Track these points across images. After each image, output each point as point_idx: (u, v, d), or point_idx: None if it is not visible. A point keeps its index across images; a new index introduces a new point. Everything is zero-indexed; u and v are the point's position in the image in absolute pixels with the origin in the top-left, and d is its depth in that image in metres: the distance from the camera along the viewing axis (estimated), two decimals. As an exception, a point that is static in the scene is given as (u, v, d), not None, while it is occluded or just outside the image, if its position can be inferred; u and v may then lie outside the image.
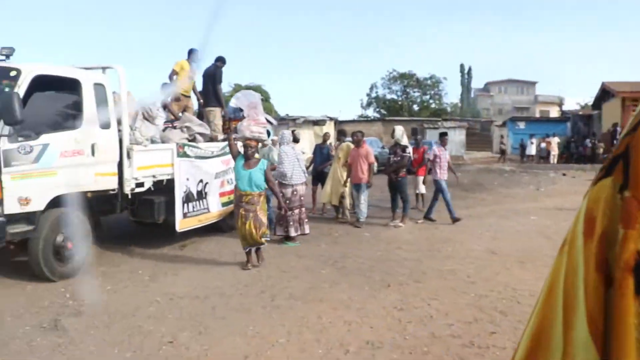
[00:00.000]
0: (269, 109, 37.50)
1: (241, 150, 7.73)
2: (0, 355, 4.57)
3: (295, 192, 9.18)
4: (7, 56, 6.65)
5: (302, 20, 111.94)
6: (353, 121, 38.87)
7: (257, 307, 5.80)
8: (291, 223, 9.15)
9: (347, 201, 11.51)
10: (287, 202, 9.07)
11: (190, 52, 9.88)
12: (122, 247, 8.54)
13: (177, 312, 5.64)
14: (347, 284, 6.69)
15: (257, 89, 45.02)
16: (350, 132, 12.74)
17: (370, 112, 56.45)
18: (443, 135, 12.08)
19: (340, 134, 12.82)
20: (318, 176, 12.35)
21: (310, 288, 6.53)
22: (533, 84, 70.69)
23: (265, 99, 45.16)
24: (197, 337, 4.98)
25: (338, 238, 9.67)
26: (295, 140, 11.35)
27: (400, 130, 11.05)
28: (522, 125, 39.75)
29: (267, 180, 7.41)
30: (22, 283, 6.57)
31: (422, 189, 13.13)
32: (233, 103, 9.51)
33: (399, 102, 56.15)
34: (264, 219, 7.44)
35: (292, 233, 9.14)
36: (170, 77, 9.73)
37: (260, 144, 9.25)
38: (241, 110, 9.36)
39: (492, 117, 58.67)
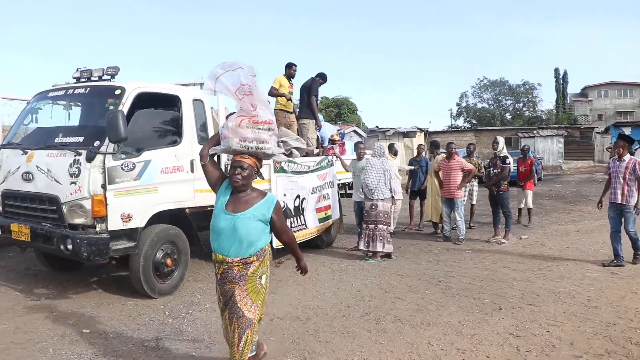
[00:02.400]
0: (356, 121, 37.18)
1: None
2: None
3: (374, 207, 8.82)
4: (112, 75, 6.77)
5: (389, 30, 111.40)
6: (443, 132, 38.06)
7: (362, 331, 5.53)
8: (362, 236, 8.90)
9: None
10: (366, 214, 8.81)
11: (287, 66, 9.80)
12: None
13: (278, 333, 5.47)
14: (455, 307, 6.31)
15: (344, 101, 44.97)
16: (442, 143, 12.34)
17: (461, 122, 55.23)
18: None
19: (434, 146, 12.38)
20: (416, 191, 11.93)
21: (416, 310, 6.21)
22: (638, 85, 66.17)
23: (353, 111, 44.89)
24: (301, 361, 4.77)
25: (439, 255, 9.24)
26: (394, 153, 11.05)
27: (502, 141, 10.55)
28: (627, 131, 37.28)
29: (277, 233, 3.94)
30: (123, 299, 6.61)
31: (530, 203, 12.46)
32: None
33: (491, 111, 54.54)
34: (255, 314, 3.88)
35: (361, 246, 8.87)
36: (271, 94, 9.65)
37: (275, 161, 7.56)
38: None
39: (592, 123, 55.60)
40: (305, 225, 8.69)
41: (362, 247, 8.84)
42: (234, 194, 3.82)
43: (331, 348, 5.08)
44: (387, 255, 8.86)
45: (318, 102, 10.16)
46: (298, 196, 8.49)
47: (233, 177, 3.74)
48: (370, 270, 8.13)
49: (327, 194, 9.37)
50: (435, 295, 6.83)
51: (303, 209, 8.63)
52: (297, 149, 8.80)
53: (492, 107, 55.02)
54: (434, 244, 10.35)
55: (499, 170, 10.19)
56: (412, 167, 11.78)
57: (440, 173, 10.53)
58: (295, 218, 8.44)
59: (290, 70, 9.82)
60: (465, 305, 6.36)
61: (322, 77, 10.11)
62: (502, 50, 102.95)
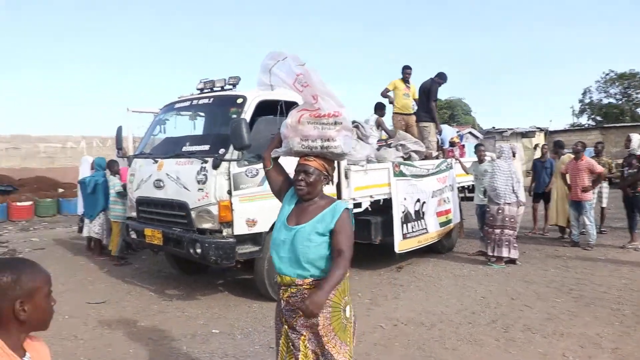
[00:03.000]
0: (471, 122, 35.97)
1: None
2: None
3: (500, 211, 8.43)
4: (234, 85, 6.97)
5: (502, 29, 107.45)
6: (565, 131, 35.70)
7: (490, 339, 5.30)
8: (489, 242, 8.57)
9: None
10: (491, 218, 8.47)
11: (403, 69, 9.70)
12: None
13: (403, 339, 5.36)
14: (591, 317, 5.89)
15: (457, 102, 43.76)
16: (566, 142, 11.67)
17: (584, 120, 51.87)
18: None
19: (557, 146, 11.70)
20: (540, 193, 11.36)
21: (547, 319, 5.87)
22: None
23: (467, 112, 43.52)
24: (428, 369, 4.64)
25: (567, 262, 8.69)
26: (513, 155, 10.61)
27: (637, 138, 9.80)
28: None
29: (333, 245, 2.96)
30: (248, 301, 6.78)
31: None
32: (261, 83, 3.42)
33: (619, 106, 50.82)
34: (347, 356, 3.02)
35: (504, 254, 8.46)
36: (383, 95, 9.61)
37: (354, 162, 7.23)
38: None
39: None
40: (426, 230, 8.53)
41: (490, 252, 8.52)
42: (300, 204, 3.12)
43: (458, 356, 4.92)
44: (512, 261, 8.48)
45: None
46: (418, 200, 8.35)
47: (296, 184, 3.07)
48: (495, 276, 7.83)
49: (448, 197, 9.14)
50: (567, 304, 6.42)
51: (423, 213, 8.47)
52: (415, 152, 8.73)
53: (620, 102, 51.18)
54: (561, 249, 9.78)
55: (635, 170, 9.47)
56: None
57: (567, 175, 9.95)
58: (415, 222, 8.30)
59: (405, 73, 9.72)
60: (602, 316, 5.92)
61: (441, 78, 9.88)
62: (630, 39, 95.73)
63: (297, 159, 3.08)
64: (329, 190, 7.13)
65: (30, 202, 15.28)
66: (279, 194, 3.27)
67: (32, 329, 1.73)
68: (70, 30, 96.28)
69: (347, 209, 3.01)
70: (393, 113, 9.52)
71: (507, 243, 8.41)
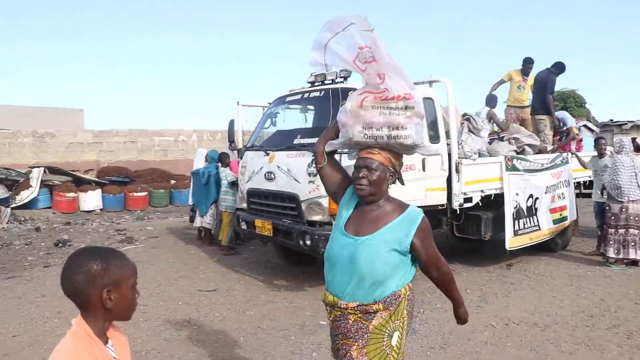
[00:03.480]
0: (585, 115, 33.90)
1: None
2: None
3: (624, 210, 7.88)
4: (345, 78, 6.95)
5: (616, 11, 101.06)
6: None
7: (611, 345, 4.99)
8: (611, 243, 7.99)
9: None
10: (613, 218, 7.94)
11: (525, 61, 9.35)
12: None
13: (515, 340, 5.16)
14: None
15: (570, 94, 41.48)
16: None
17: None
18: None
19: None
20: None
21: (678, 328, 5.43)
22: None
23: (581, 104, 41.17)
24: (544, 372, 4.45)
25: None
26: (637, 149, 9.95)
27: None
28: None
29: (424, 267, 2.63)
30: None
31: None
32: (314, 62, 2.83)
33: None
34: None
35: (610, 254, 7.97)
36: (495, 86, 9.32)
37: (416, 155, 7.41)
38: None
39: None
40: (538, 227, 8.17)
41: (611, 254, 8.00)
42: (360, 207, 2.59)
43: (575, 360, 4.68)
44: (634, 263, 7.95)
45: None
46: (531, 195, 8.01)
47: (356, 182, 2.52)
48: (614, 277, 7.36)
49: (562, 193, 8.70)
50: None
51: (536, 209, 8.12)
52: (529, 145, 8.38)
53: None
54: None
55: None
56: None
57: None
58: (527, 219, 7.98)
59: (526, 66, 9.38)
60: None
61: (558, 68, 9.42)
62: None
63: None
64: (435, 183, 7.03)
65: (145, 193, 16.08)
66: (335, 195, 2.77)
67: (116, 318, 1.77)
68: (182, 28, 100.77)
69: (423, 217, 2.49)
70: (506, 106, 9.20)
71: (633, 244, 7.88)
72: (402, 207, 2.55)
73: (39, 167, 15.26)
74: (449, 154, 7.15)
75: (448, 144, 7.18)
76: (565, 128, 10.14)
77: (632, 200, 7.85)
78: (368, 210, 2.55)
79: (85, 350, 1.65)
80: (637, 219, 7.88)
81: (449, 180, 7.16)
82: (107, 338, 1.77)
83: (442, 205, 7.23)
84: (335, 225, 2.66)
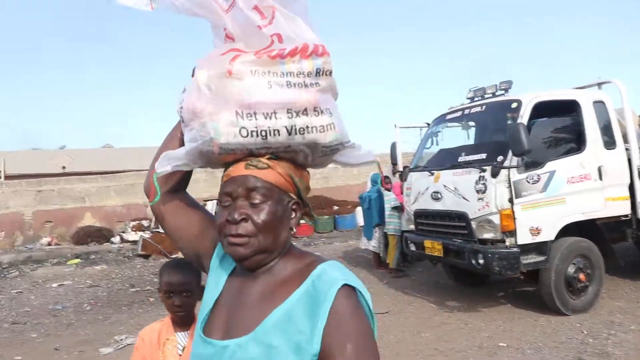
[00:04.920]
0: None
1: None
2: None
3: None
4: (506, 90, 6.85)
5: None
6: None
7: None
8: None
9: None
10: None
11: None
12: (635, 280, 7.67)
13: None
14: None
15: None
16: None
17: None
18: None
19: None
20: None
21: None
22: None
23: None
24: None
25: None
26: None
27: None
28: None
29: None
30: (534, 314, 6.50)
31: None
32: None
33: None
34: None
35: None
36: None
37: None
38: None
39: None
40: None
41: None
42: (237, 277, 1.33)
43: None
44: None
45: None
46: None
47: (227, 232, 1.24)
48: None
49: None
50: None
51: None
52: None
53: None
54: None
55: None
56: None
57: None
58: None
59: None
60: None
61: None
62: None
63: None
64: (616, 192, 6.58)
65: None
66: (196, 256, 1.50)
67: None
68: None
69: (349, 286, 1.16)
70: None
71: None
72: (308, 267, 1.25)
73: (212, 200, 16.50)
74: (629, 160, 6.66)
75: (627, 149, 6.70)
76: None
77: None
78: (250, 282, 1.28)
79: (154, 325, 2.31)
80: None
81: (632, 188, 6.66)
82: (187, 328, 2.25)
83: (626, 215, 6.73)
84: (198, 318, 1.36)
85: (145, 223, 15.75)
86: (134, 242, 14.77)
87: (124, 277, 11.03)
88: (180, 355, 2.21)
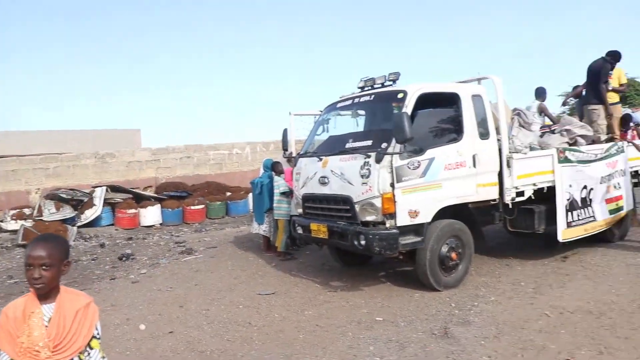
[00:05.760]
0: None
1: None
2: (399, 357, 4.84)
3: None
4: (394, 81, 7.15)
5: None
6: None
7: (671, 329, 5.01)
8: None
9: None
10: None
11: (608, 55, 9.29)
12: (500, 258, 8.40)
13: (570, 327, 5.24)
14: None
15: (630, 82, 40.16)
16: None
17: None
18: None
19: None
20: None
21: None
22: None
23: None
24: (598, 356, 4.55)
25: None
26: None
27: None
28: None
29: None
30: (410, 291, 6.91)
31: None
32: None
33: None
34: None
35: None
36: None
37: None
38: None
39: None
40: (594, 217, 8.14)
41: None
42: None
43: (632, 345, 4.73)
44: (694, 251, 7.83)
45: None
46: (585, 187, 7.99)
47: None
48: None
49: (618, 183, 8.61)
50: None
51: (591, 200, 8.10)
52: (582, 136, 8.36)
53: None
54: None
55: None
56: None
57: None
58: (582, 210, 7.97)
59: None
60: None
61: (613, 57, 9.26)
62: None
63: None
64: (486, 178, 7.13)
65: (202, 206, 16.50)
66: None
67: None
68: (231, 43, 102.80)
69: None
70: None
71: None
72: None
73: (101, 186, 15.88)
74: (500, 150, 7.24)
75: (498, 140, 7.25)
76: (632, 123, 10.08)
77: None
78: None
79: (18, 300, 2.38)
80: None
81: (500, 175, 7.24)
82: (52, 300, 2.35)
83: (494, 200, 7.32)
84: None
85: (27, 211, 14.92)
86: (14, 232, 13.96)
87: (1, 269, 10.45)
88: (46, 326, 2.29)
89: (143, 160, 18.63)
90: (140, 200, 16.18)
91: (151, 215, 15.79)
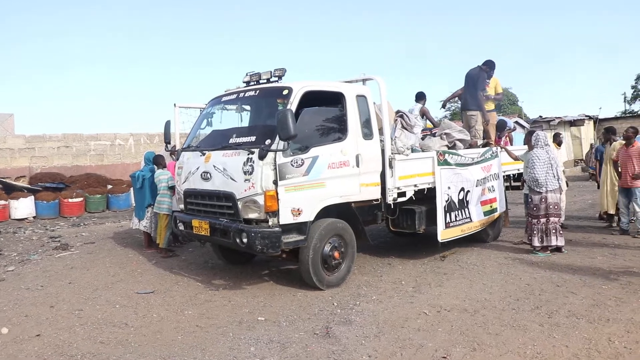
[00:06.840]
0: (517, 112, 35.43)
1: None
2: (280, 357, 4.75)
3: (543, 200, 8.35)
4: (280, 77, 7.03)
5: (547, 14, 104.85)
6: (616, 118, 33.68)
7: (534, 325, 5.30)
8: (535, 232, 8.43)
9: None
10: (534, 209, 8.41)
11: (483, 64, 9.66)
12: (382, 257, 8.57)
13: (446, 325, 5.38)
14: (639, 303, 5.81)
15: (504, 92, 43.00)
16: (617, 130, 11.44)
17: (637, 107, 49.32)
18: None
19: (609, 132, 11.38)
20: None
21: (592, 305, 5.83)
22: None
23: (513, 102, 42.89)
24: (471, 353, 4.67)
25: (615, 250, 8.58)
26: (559, 143, 10.59)
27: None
28: None
29: None
30: (293, 290, 6.88)
31: None
32: None
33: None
34: None
35: (535, 243, 8.41)
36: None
37: None
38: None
39: None
40: (470, 219, 8.50)
41: (536, 243, 8.40)
42: None
43: (501, 340, 4.92)
44: (557, 249, 8.40)
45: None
46: (462, 189, 8.32)
47: None
48: (540, 264, 7.76)
49: (493, 186, 9.07)
50: (614, 290, 6.35)
51: (467, 202, 8.44)
52: (460, 140, 8.68)
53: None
54: (609, 237, 9.63)
55: None
56: None
57: (620, 160, 9.71)
58: (459, 211, 8.29)
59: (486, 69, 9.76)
60: (653, 302, 5.83)
61: (488, 66, 9.72)
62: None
63: None
64: (369, 178, 7.20)
65: (80, 199, 15.71)
66: None
67: None
68: (115, 29, 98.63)
69: None
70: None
71: (554, 231, 8.32)
72: None
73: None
74: (382, 150, 7.33)
75: (381, 141, 7.35)
76: (506, 129, 10.70)
77: (550, 190, 8.32)
78: None
79: None
80: (556, 207, 8.37)
81: (383, 176, 7.35)
82: None
83: (377, 200, 7.41)
84: None
85: None
86: None
87: None
88: None
89: (16, 148, 17.37)
90: (11, 191, 15.15)
91: (23, 207, 14.89)
